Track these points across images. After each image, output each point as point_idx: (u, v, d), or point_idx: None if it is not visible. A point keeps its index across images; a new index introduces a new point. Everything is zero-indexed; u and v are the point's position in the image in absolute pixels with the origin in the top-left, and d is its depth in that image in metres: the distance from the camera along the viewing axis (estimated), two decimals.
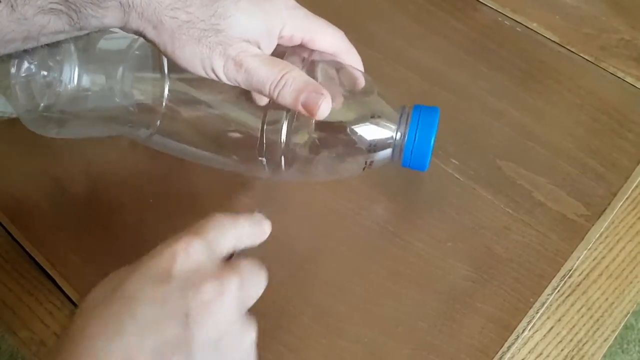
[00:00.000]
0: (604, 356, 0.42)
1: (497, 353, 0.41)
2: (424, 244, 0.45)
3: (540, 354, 0.42)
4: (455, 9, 0.58)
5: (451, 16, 0.58)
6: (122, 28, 0.36)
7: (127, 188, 0.48)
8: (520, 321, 0.42)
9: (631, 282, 0.44)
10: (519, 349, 0.42)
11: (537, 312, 0.43)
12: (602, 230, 0.46)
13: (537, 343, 0.42)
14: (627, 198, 0.47)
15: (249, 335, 0.31)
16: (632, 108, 0.52)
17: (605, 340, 0.42)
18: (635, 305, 0.44)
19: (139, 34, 0.37)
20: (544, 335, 0.42)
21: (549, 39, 0.56)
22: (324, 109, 0.36)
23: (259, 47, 0.38)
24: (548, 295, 0.43)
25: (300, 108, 0.36)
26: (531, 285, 0.43)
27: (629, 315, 0.44)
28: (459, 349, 0.41)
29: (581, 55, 0.55)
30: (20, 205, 0.48)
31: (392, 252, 0.45)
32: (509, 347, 0.41)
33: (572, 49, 0.55)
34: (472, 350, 0.41)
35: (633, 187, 0.48)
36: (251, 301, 0.32)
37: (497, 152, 0.49)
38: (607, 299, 0.44)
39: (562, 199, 0.47)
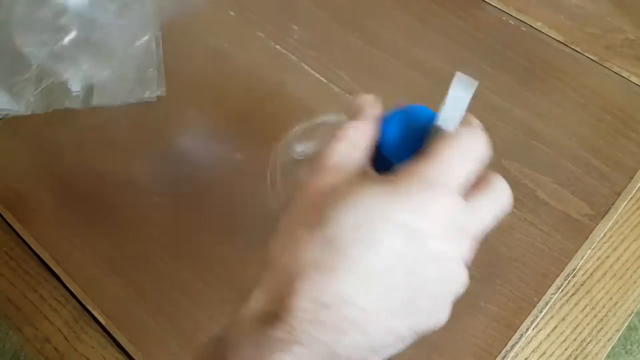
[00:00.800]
0: (608, 356, 0.42)
1: (500, 352, 0.41)
2: None
3: (544, 353, 0.42)
4: (459, 8, 0.58)
5: (455, 15, 0.58)
6: None
7: (132, 186, 0.48)
8: (524, 320, 0.42)
9: (635, 282, 0.44)
10: (523, 348, 0.42)
11: (540, 311, 0.43)
12: (606, 229, 0.46)
13: (541, 342, 0.42)
14: (631, 198, 0.47)
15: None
16: (637, 108, 0.51)
17: (609, 340, 0.42)
18: (639, 305, 0.44)
19: None
20: (548, 335, 0.42)
21: (553, 38, 0.56)
22: None
23: None
24: (552, 294, 0.43)
25: None
26: (535, 285, 0.43)
27: (632, 315, 0.44)
28: (463, 348, 0.41)
29: (586, 54, 0.55)
30: (26, 203, 0.48)
31: None
32: (512, 346, 0.41)
33: (577, 49, 0.55)
34: (476, 349, 0.41)
35: (637, 187, 0.48)
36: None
37: (501, 151, 0.49)
38: (611, 299, 0.44)
39: (566, 199, 0.47)
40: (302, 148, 0.43)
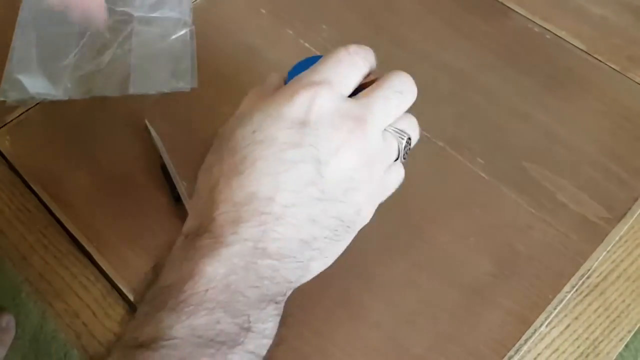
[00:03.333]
0: None
1: (514, 345, 0.42)
2: (447, 239, 0.46)
3: (557, 349, 0.43)
4: (486, 14, 0.59)
5: (482, 21, 0.59)
6: None
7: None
8: (538, 316, 0.43)
9: None
10: (536, 344, 0.43)
11: (555, 309, 0.44)
12: (622, 233, 0.47)
13: (554, 339, 0.43)
14: None
15: (380, 166, 0.35)
16: None
17: (620, 340, 0.43)
18: None
19: None
20: (561, 332, 0.43)
21: (577, 47, 0.57)
22: None
23: None
24: (566, 292, 0.44)
25: None
26: (550, 283, 0.44)
27: None
28: (478, 340, 0.42)
29: (608, 64, 0.56)
30: (61, 184, 0.50)
31: (415, 244, 0.46)
32: (526, 341, 0.42)
33: (600, 58, 0.56)
34: (491, 342, 0.42)
35: None
36: (388, 122, 0.35)
37: (523, 153, 0.50)
38: (624, 301, 0.45)
39: (584, 202, 0.48)
40: None
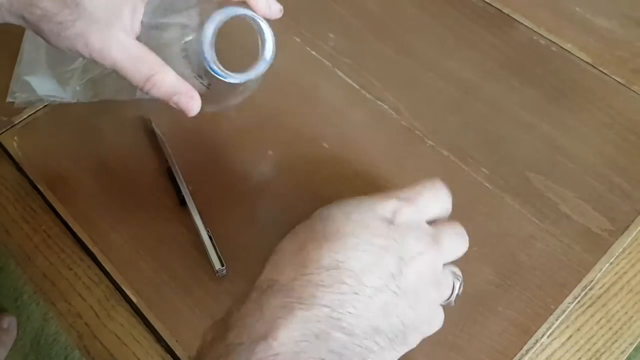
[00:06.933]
0: None
1: (515, 355, 0.42)
2: None
3: None
4: (492, 25, 0.60)
5: (488, 32, 0.59)
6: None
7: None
8: (540, 327, 0.43)
9: None
10: (537, 354, 0.43)
11: (557, 319, 0.44)
12: (625, 245, 0.47)
13: (555, 350, 0.43)
14: None
15: (439, 294, 0.36)
16: None
17: (622, 352, 0.43)
18: None
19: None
20: (563, 343, 0.43)
21: (582, 59, 0.57)
22: (195, 109, 0.42)
23: (127, 19, 0.41)
24: (569, 303, 0.44)
25: (172, 105, 0.42)
26: (553, 293, 0.45)
27: None
28: (479, 349, 0.42)
29: (613, 77, 0.56)
30: (67, 185, 0.50)
31: None
32: (527, 351, 0.42)
33: (605, 71, 0.57)
34: (492, 352, 0.42)
35: None
36: (449, 260, 0.37)
37: (527, 164, 0.51)
38: (626, 313, 0.45)
39: (587, 213, 0.48)
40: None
